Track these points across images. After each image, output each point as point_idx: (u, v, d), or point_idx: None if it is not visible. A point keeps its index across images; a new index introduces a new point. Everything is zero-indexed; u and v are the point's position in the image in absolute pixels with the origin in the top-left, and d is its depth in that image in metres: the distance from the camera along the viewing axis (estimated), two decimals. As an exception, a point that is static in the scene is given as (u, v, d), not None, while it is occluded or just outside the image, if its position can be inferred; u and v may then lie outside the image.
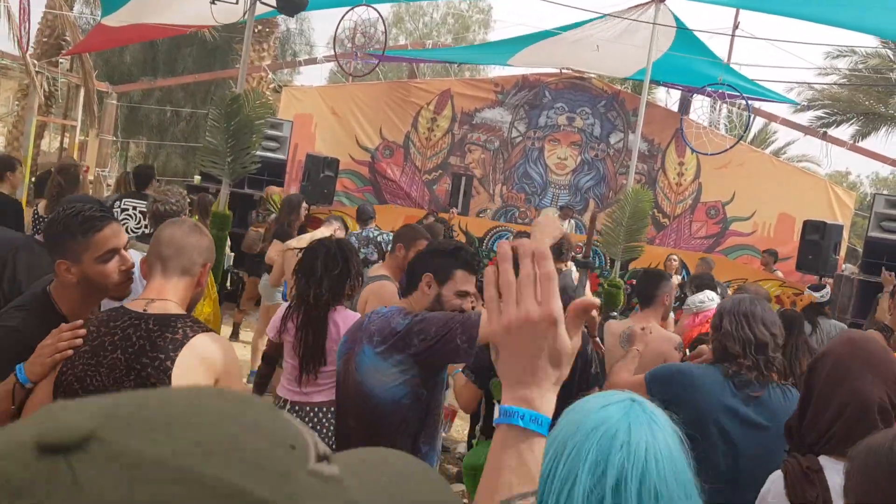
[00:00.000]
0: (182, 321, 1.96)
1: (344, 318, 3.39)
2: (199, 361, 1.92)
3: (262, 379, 3.89)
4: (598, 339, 4.05)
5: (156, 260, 2.09)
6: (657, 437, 1.16)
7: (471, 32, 34.11)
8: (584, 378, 3.31)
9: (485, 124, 13.97)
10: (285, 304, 3.73)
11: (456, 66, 16.41)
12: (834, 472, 1.88)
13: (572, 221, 12.38)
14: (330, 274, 3.36)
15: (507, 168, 14.03)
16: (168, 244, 2.10)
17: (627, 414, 1.18)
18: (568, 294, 5.18)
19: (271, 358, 3.87)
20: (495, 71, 15.62)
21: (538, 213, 13.92)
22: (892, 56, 18.86)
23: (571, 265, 6.56)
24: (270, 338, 3.73)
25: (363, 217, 6.52)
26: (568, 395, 3.36)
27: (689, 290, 5.58)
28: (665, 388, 2.63)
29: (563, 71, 13.86)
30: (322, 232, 5.90)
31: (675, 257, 10.52)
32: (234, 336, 8.29)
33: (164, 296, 2.03)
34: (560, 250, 5.90)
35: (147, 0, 9.30)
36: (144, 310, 1.98)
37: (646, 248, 9.91)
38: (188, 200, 4.41)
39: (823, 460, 1.95)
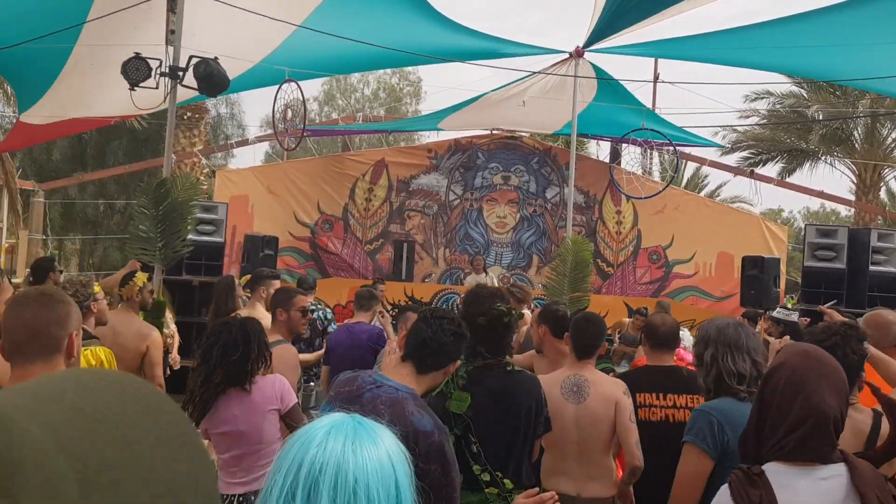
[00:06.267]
0: None
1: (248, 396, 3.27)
2: None
3: None
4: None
5: (13, 348, 1.92)
6: (356, 447, 1.25)
7: (403, 104, 34.63)
8: (538, 423, 3.20)
9: (421, 190, 14.04)
10: None
11: (390, 136, 16.55)
12: (781, 475, 1.95)
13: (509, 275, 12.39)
14: (228, 360, 3.23)
15: (448, 231, 14.05)
16: (18, 329, 1.92)
17: (333, 426, 1.28)
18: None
19: None
20: (429, 138, 15.77)
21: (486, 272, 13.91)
22: (805, 94, 19.71)
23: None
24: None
25: (303, 287, 6.36)
26: (525, 438, 3.20)
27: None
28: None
29: (494, 132, 14.08)
30: (247, 311, 5.69)
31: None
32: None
33: None
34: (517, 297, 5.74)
35: (66, 92, 9.10)
36: None
37: (592, 298, 9.94)
38: (91, 292, 4.11)
39: (771, 465, 1.97)
